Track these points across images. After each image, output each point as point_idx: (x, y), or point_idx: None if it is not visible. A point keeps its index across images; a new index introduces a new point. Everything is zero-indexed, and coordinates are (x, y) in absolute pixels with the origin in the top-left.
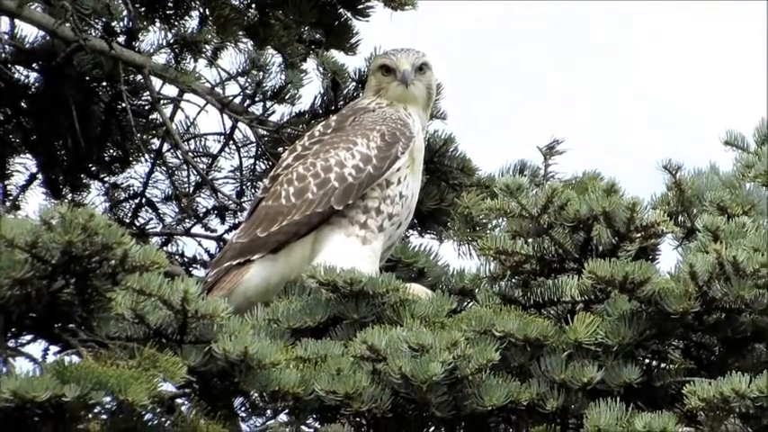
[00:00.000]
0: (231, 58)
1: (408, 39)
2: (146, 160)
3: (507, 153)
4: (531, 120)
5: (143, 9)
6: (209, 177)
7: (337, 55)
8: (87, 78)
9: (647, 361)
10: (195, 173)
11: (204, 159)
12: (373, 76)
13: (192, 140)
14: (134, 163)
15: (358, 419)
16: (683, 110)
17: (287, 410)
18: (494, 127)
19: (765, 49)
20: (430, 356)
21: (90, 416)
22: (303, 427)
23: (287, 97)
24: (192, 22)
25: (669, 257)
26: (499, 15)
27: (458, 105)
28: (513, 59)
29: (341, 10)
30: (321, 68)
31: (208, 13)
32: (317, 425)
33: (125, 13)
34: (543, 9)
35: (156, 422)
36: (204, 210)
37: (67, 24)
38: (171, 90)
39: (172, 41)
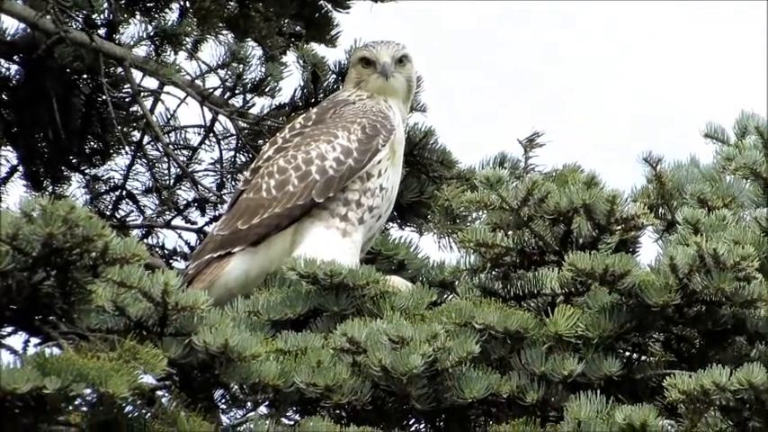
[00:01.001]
0: (211, 51)
1: (389, 31)
2: (126, 153)
3: (491, 147)
4: (517, 114)
5: (123, 2)
6: (190, 170)
7: (317, 47)
8: (68, 71)
9: (627, 354)
10: (176, 165)
11: (184, 152)
12: (353, 68)
13: (173, 133)
14: (114, 155)
15: (338, 412)
16: (678, 107)
17: (267, 403)
18: (478, 121)
19: (766, 48)
20: (410, 349)
21: (70, 408)
22: (283, 419)
23: (267, 90)
24: (172, 15)
25: (649, 250)
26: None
27: (441, 99)
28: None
29: (321, 2)
30: (301, 61)
31: (188, 5)
32: (297, 417)
33: (105, 5)
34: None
35: (136, 414)
36: (185, 202)
37: (48, 17)
38: (151, 82)
39: (152, 34)
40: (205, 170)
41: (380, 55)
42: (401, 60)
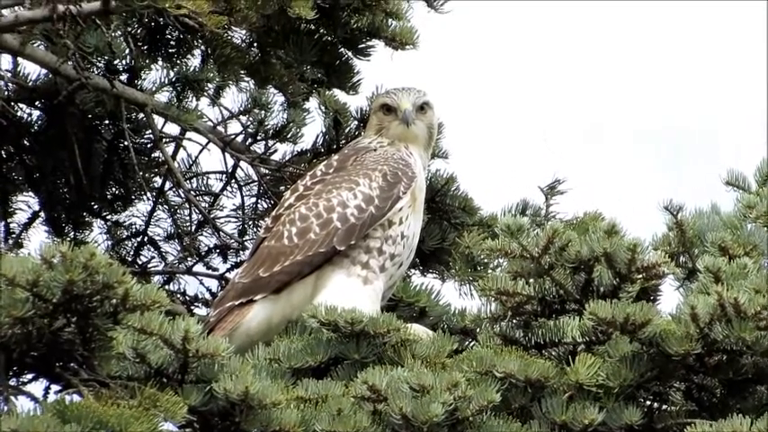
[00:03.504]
0: (233, 97)
1: (410, 78)
2: (148, 198)
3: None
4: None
5: (145, 47)
6: (212, 216)
7: (339, 94)
8: (89, 116)
9: (648, 403)
10: (197, 211)
11: (206, 198)
12: (374, 115)
13: (194, 179)
14: (136, 201)
15: None
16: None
17: None
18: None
19: (766, 49)
20: (431, 397)
21: None
22: None
23: (289, 136)
24: (194, 61)
25: (670, 298)
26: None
27: (459, 141)
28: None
29: (342, 49)
30: (323, 107)
31: (209, 51)
32: None
33: (127, 51)
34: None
35: None
36: (206, 248)
37: (70, 63)
38: (173, 128)
39: (174, 80)
40: (227, 216)
41: (402, 102)
42: (422, 108)
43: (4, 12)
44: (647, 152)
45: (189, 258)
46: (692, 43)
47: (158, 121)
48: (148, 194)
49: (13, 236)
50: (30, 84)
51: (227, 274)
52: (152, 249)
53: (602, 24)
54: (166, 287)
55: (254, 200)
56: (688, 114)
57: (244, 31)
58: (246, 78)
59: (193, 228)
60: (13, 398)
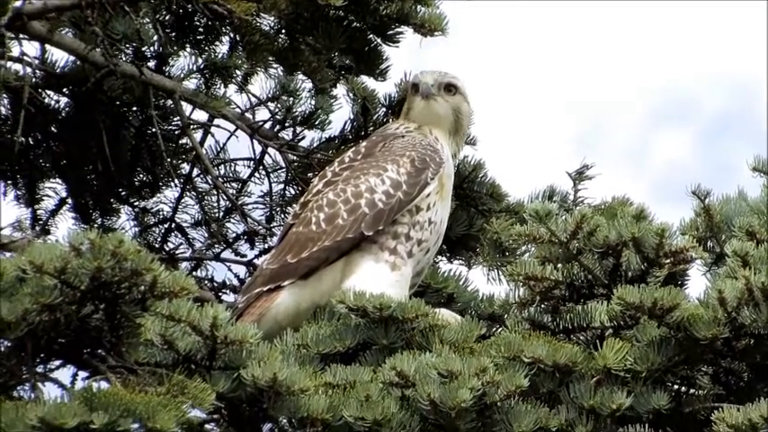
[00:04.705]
0: (261, 84)
1: (439, 64)
2: (175, 185)
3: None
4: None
5: (173, 34)
6: (239, 202)
7: (367, 80)
8: (117, 103)
9: (675, 387)
10: (225, 198)
11: (234, 184)
12: (407, 98)
13: (222, 165)
14: (164, 188)
15: None
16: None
17: None
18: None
19: (766, 49)
20: (459, 383)
21: None
22: None
23: (317, 123)
24: (222, 48)
25: (698, 283)
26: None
27: (488, 128)
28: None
29: (370, 36)
30: (351, 94)
31: (238, 38)
32: None
33: (155, 38)
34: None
35: None
36: (234, 235)
37: (98, 49)
38: (201, 115)
39: (202, 67)
40: (254, 203)
41: (424, 77)
42: (449, 89)
43: None
44: None
45: (216, 245)
46: (692, 43)
47: (186, 107)
48: (176, 181)
49: (41, 223)
50: (58, 71)
51: (254, 261)
52: (179, 236)
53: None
54: (194, 274)
55: (281, 186)
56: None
57: (272, 18)
58: (275, 65)
59: (221, 214)
60: (40, 384)
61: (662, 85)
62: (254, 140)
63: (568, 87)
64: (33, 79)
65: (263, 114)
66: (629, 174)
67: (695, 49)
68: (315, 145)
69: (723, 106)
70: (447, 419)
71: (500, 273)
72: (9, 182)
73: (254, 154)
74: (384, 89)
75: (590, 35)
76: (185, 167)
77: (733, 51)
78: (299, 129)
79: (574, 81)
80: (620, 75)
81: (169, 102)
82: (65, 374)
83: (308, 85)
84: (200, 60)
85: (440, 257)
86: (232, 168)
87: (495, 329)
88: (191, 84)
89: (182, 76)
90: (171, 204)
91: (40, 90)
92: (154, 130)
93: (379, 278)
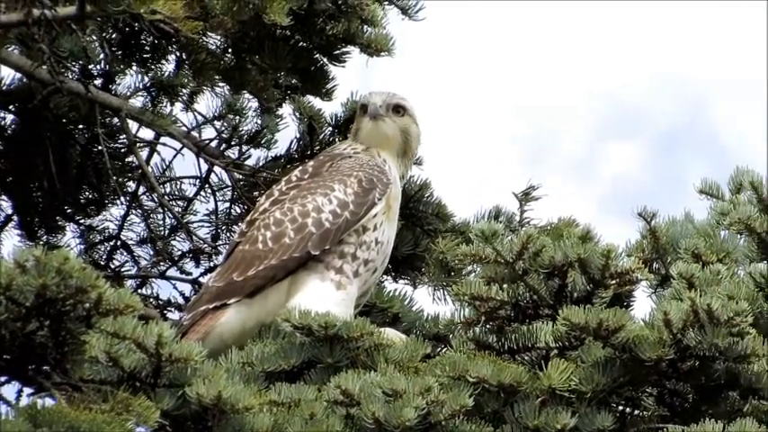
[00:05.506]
0: (207, 102)
1: (385, 85)
2: (121, 203)
3: (486, 196)
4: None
5: (120, 52)
6: (185, 220)
7: (313, 100)
8: (64, 121)
9: (620, 408)
10: (171, 216)
11: (180, 203)
12: (355, 119)
13: (168, 183)
14: (110, 205)
15: None
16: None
17: None
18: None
19: (766, 49)
20: (403, 402)
21: None
22: None
23: (263, 141)
24: (168, 66)
25: (644, 304)
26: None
27: (433, 148)
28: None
29: (317, 55)
30: (297, 113)
31: (184, 57)
32: None
33: (102, 56)
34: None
35: None
36: (179, 253)
37: (44, 67)
38: (147, 133)
39: (148, 85)
40: (200, 221)
41: (372, 98)
42: (398, 110)
43: None
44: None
45: (162, 263)
46: (692, 43)
47: (132, 125)
48: (122, 199)
49: None
50: (4, 88)
51: (200, 279)
52: (125, 254)
53: (588, 25)
54: (139, 291)
55: (227, 205)
56: (688, 114)
57: (219, 37)
58: (221, 84)
59: (166, 232)
60: None
61: (610, 91)
62: (200, 159)
63: (516, 94)
64: None
65: (209, 133)
66: (577, 182)
67: (646, 54)
68: (261, 164)
69: (674, 118)
70: None
71: (445, 293)
72: None
73: (200, 172)
74: (330, 109)
75: (542, 40)
76: (131, 185)
77: (686, 60)
78: (245, 147)
79: (522, 88)
80: (568, 80)
81: (115, 119)
82: (9, 391)
83: (255, 104)
84: (146, 78)
85: (385, 277)
86: (178, 186)
87: (440, 349)
88: (137, 102)
89: (128, 94)
90: (117, 222)
91: None
92: (100, 147)
93: (324, 297)
